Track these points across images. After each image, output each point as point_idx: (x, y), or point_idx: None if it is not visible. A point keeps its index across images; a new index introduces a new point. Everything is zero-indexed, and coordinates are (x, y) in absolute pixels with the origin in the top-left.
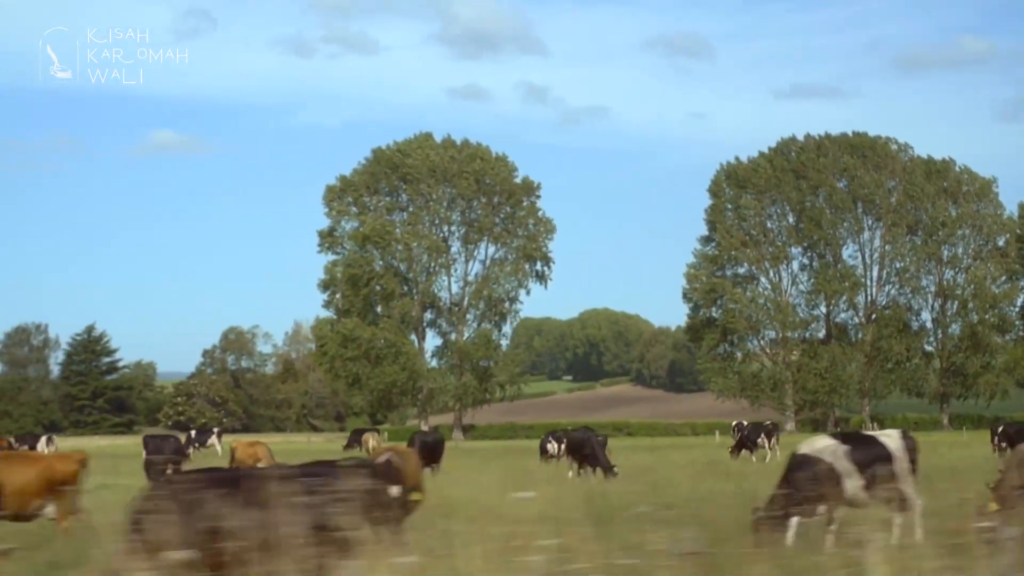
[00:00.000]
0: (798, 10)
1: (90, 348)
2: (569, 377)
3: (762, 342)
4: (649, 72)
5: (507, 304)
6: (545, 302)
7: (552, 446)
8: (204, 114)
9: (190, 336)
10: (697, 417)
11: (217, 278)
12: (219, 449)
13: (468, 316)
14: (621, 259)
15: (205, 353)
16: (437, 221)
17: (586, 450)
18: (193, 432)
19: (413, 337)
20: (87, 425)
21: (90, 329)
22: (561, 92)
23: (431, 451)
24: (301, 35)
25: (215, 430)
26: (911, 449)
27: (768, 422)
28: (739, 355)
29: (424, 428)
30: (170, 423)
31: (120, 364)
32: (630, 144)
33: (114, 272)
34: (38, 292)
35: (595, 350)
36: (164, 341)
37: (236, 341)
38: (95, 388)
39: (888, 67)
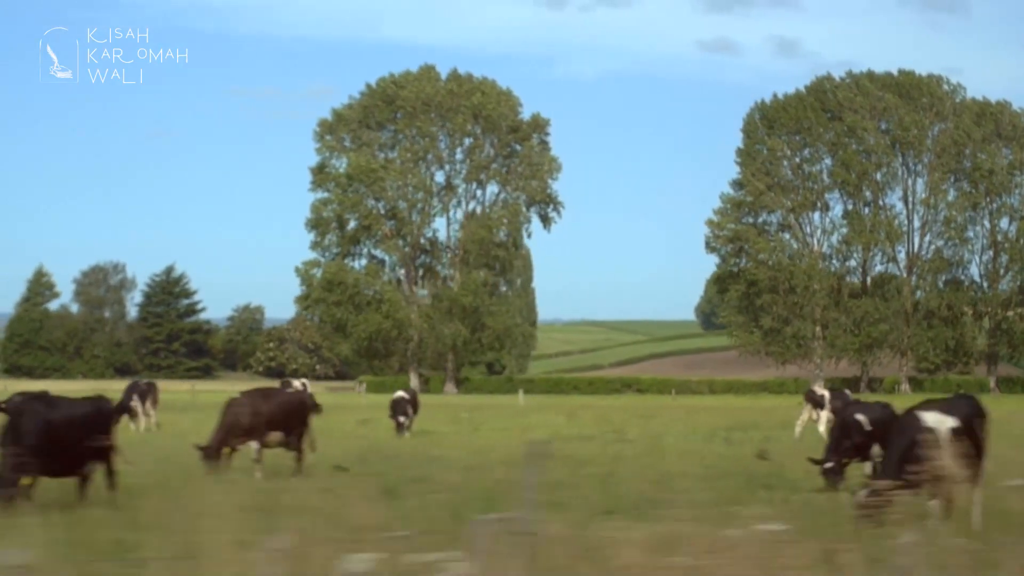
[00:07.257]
0: None
1: (168, 289)
2: None
3: (789, 295)
4: (903, 26)
5: (508, 249)
6: None
7: (136, 403)
8: (458, 63)
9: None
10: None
11: None
12: None
13: (464, 261)
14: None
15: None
16: (431, 158)
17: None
18: None
19: (404, 282)
20: (162, 369)
21: (169, 270)
22: (812, 46)
23: None
24: None
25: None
26: None
27: None
28: (762, 308)
29: (413, 380)
30: (261, 369)
31: (199, 307)
32: None
33: (231, 212)
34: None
35: None
36: (274, 284)
37: None
38: (171, 331)
39: None
